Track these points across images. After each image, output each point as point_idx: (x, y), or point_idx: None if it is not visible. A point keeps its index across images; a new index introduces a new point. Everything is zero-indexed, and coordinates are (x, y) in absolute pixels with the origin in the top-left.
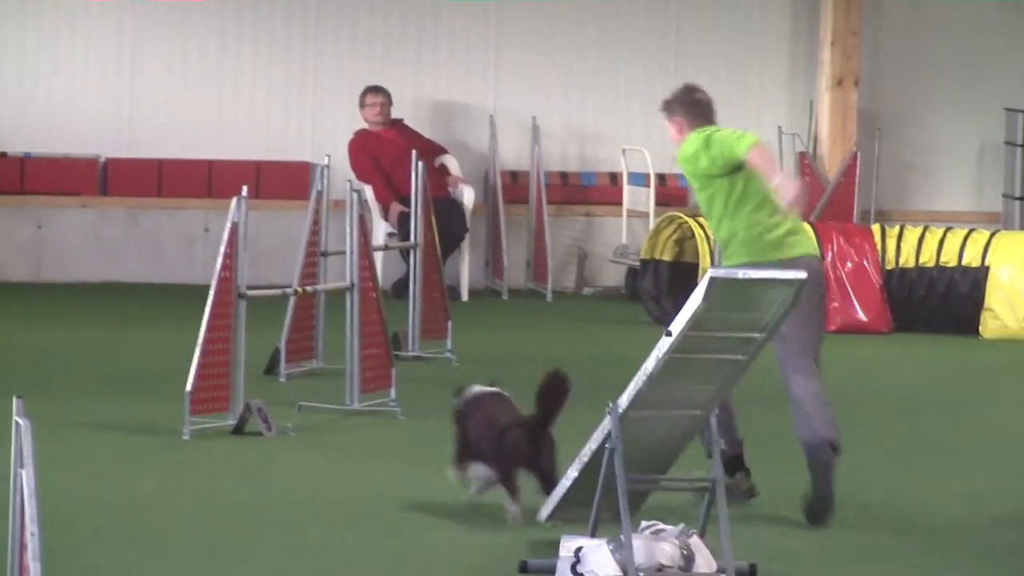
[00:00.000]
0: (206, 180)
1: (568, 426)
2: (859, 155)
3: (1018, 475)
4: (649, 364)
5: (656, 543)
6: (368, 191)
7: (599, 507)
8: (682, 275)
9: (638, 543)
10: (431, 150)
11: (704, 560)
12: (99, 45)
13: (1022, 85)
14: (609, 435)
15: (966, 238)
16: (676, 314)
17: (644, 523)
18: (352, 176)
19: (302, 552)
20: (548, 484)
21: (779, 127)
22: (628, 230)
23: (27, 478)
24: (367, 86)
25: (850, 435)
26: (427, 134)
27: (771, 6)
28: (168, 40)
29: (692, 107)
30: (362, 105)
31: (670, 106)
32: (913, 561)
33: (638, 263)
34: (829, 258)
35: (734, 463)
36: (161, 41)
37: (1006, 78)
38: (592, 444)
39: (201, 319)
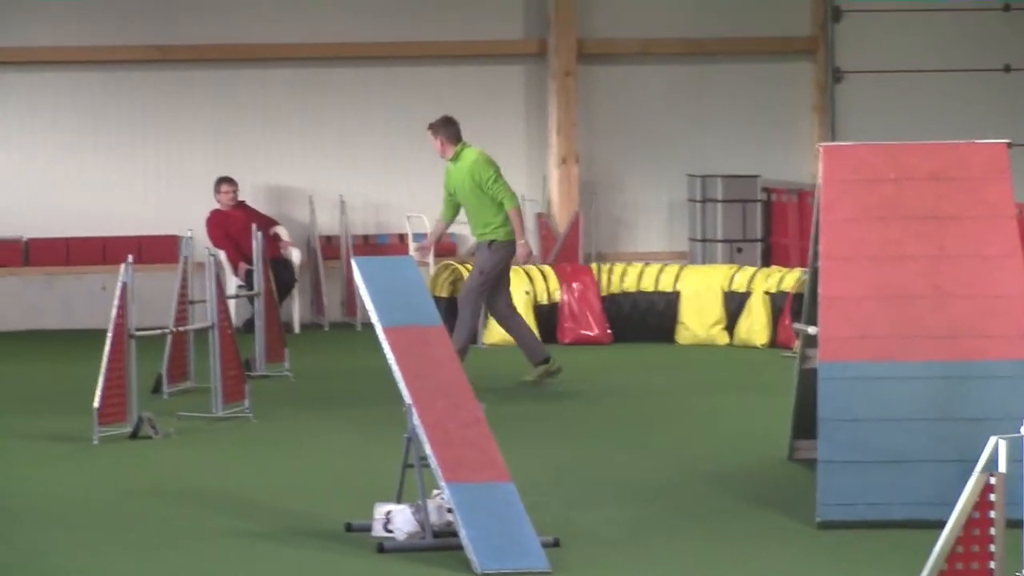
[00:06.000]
0: (102, 251)
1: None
2: (581, 214)
3: (717, 442)
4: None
5: (445, 507)
6: (222, 255)
7: (403, 480)
8: (455, 307)
9: (432, 506)
10: (267, 223)
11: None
12: (18, 148)
13: (697, 156)
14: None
15: (661, 270)
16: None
17: (435, 491)
18: (209, 244)
19: (173, 524)
20: None
21: (522, 195)
22: None
23: None
24: (220, 177)
25: (592, 419)
26: (263, 211)
27: (506, 103)
28: (78, 144)
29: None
30: (217, 191)
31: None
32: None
33: None
34: (563, 291)
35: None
36: (71, 145)
37: (688, 150)
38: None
39: (103, 355)
